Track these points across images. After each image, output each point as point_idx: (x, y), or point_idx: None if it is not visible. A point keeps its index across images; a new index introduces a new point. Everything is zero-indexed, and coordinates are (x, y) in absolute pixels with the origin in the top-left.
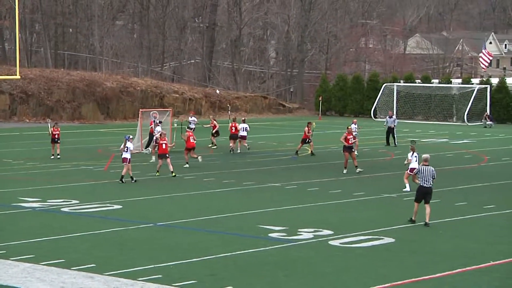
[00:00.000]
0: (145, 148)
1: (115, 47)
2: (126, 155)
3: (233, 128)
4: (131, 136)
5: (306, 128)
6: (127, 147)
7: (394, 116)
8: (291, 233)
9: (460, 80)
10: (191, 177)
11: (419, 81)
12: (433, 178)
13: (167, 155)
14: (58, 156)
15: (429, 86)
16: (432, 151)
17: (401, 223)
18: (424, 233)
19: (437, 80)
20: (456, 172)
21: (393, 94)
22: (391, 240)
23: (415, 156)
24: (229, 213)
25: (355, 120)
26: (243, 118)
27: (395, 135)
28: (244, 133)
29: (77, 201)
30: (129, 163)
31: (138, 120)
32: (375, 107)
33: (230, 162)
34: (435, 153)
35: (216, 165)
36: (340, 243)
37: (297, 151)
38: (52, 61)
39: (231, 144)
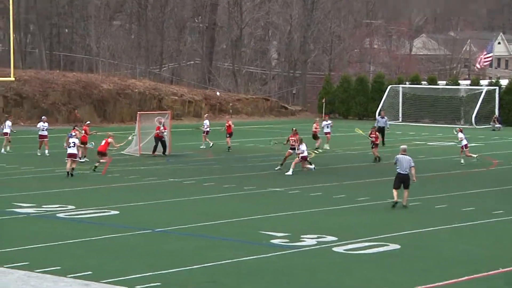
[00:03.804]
0: (153, 153)
1: (112, 48)
2: (73, 150)
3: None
4: (73, 134)
5: (370, 132)
6: (73, 142)
7: (386, 117)
8: (293, 239)
9: (468, 82)
10: (191, 181)
11: (426, 82)
12: (410, 166)
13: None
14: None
15: (436, 88)
16: (440, 154)
17: (407, 229)
18: (430, 239)
19: (444, 82)
20: (464, 176)
21: (399, 96)
22: (397, 246)
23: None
24: (230, 218)
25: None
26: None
27: (384, 135)
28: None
29: (73, 207)
30: (74, 158)
31: (135, 123)
32: (380, 109)
33: (231, 166)
34: (442, 157)
35: (216, 169)
36: (344, 250)
37: (377, 157)
38: (47, 62)
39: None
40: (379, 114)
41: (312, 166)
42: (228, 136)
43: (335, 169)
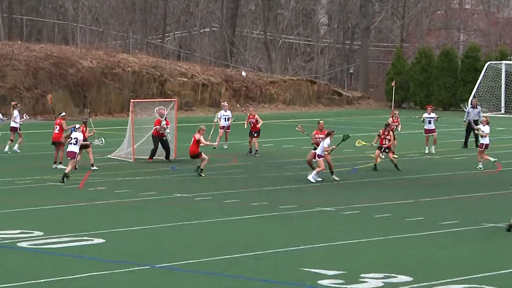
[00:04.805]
0: (150, 158)
1: (95, 10)
2: (74, 148)
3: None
4: (77, 126)
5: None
6: (75, 138)
7: (479, 107)
8: (350, 280)
9: None
10: (206, 197)
11: None
12: None
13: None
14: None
15: None
16: None
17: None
18: None
19: None
20: None
21: (501, 77)
22: None
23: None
24: (261, 250)
25: None
26: (224, 103)
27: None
28: (226, 123)
29: (41, 233)
30: (73, 157)
31: (128, 115)
32: (474, 95)
33: (262, 176)
34: None
35: (241, 180)
36: None
37: (375, 165)
38: (4, 29)
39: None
40: (470, 104)
41: (312, 177)
42: (255, 135)
43: (407, 180)
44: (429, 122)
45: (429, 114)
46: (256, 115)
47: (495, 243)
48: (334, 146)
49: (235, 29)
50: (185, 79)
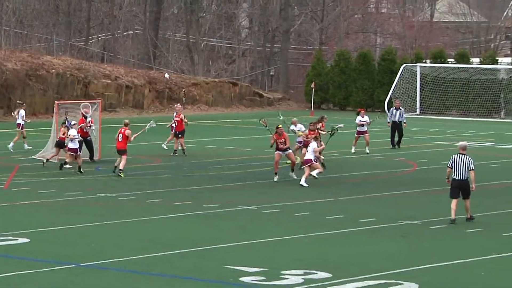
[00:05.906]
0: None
1: (19, 13)
2: (72, 145)
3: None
4: (73, 122)
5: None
6: (73, 135)
7: (402, 109)
8: (271, 277)
9: (510, 59)
10: (129, 197)
11: (453, 60)
12: (470, 170)
13: None
14: None
15: (467, 68)
16: (474, 159)
17: (428, 262)
18: (460, 275)
19: (478, 59)
20: (508, 189)
21: (416, 79)
22: (414, 286)
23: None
24: (184, 248)
25: None
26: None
27: (402, 134)
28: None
29: None
30: (76, 152)
31: (53, 116)
32: (390, 97)
33: (185, 176)
34: (477, 162)
35: (164, 180)
36: None
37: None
38: None
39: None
40: (391, 105)
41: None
42: (179, 135)
43: (327, 180)
44: (362, 125)
45: (362, 117)
46: (182, 115)
47: (411, 240)
48: (323, 146)
49: (158, 32)
50: (109, 81)
